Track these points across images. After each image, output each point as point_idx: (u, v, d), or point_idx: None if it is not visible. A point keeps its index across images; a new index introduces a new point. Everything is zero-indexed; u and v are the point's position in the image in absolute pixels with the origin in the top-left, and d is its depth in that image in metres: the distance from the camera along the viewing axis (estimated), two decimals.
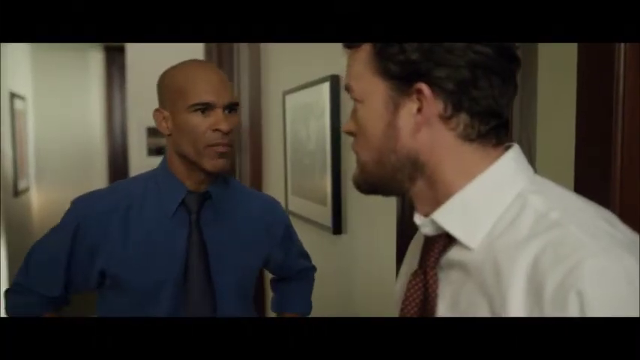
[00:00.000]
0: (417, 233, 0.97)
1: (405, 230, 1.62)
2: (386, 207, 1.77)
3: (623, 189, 1.06)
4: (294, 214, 2.55)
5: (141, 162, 4.18)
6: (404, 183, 0.83)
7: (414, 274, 0.84)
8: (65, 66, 6.38)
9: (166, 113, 1.44)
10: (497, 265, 0.74)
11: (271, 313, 1.90)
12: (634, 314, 0.64)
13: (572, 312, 0.65)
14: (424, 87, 0.77)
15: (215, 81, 1.41)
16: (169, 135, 1.45)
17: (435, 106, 0.77)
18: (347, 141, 2.04)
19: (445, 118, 0.78)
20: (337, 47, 2.13)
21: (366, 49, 0.82)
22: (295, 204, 2.59)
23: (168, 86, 1.43)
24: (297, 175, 2.55)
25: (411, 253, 1.00)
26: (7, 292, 1.54)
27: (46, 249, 1.51)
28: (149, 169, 1.55)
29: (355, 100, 0.84)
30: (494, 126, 0.79)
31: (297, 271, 1.79)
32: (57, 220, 1.51)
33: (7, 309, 1.54)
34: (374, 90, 0.81)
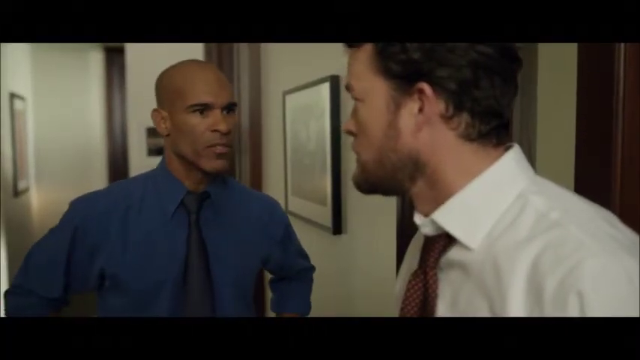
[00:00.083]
0: (417, 233, 0.97)
1: (405, 230, 1.62)
2: (386, 207, 1.77)
3: (623, 189, 1.06)
4: (294, 215, 2.55)
5: (141, 162, 4.18)
6: (404, 183, 0.83)
7: (414, 274, 0.84)
8: (65, 66, 6.38)
9: (165, 113, 1.43)
10: (498, 265, 0.74)
11: (271, 313, 1.90)
12: (634, 314, 0.64)
13: (573, 312, 0.65)
14: (426, 87, 0.77)
15: (213, 81, 1.41)
16: (167, 135, 1.44)
17: (436, 105, 0.77)
18: (347, 141, 2.04)
19: (446, 118, 0.78)
20: (337, 47, 2.13)
21: (367, 49, 0.81)
22: (295, 204, 2.59)
23: (167, 86, 1.43)
24: (297, 175, 2.55)
25: (410, 253, 1.00)
26: (6, 293, 1.54)
27: (45, 250, 1.51)
28: (149, 169, 1.55)
29: (356, 99, 0.84)
30: (495, 126, 0.79)
31: (297, 271, 1.79)
32: (57, 220, 1.51)
33: (7, 311, 1.54)
34: (375, 89, 0.81)
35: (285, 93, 2.65)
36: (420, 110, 0.78)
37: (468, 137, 0.79)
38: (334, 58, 2.11)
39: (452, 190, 0.80)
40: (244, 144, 3.24)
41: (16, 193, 5.36)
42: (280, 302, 1.82)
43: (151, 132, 4.19)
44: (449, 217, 0.80)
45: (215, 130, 1.38)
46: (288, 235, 1.71)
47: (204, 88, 1.38)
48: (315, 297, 1.86)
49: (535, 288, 0.68)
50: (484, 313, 0.74)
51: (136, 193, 1.48)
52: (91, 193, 1.52)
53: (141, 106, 3.96)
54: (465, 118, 0.78)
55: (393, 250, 1.72)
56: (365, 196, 0.91)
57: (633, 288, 0.65)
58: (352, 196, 2.06)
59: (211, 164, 1.40)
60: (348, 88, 0.85)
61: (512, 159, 0.80)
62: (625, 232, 0.73)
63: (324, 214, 2.22)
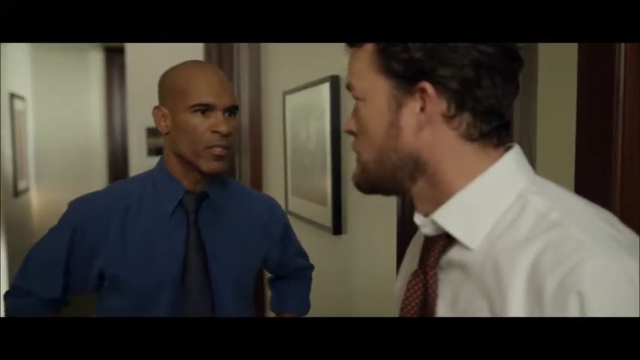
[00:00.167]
0: (417, 233, 0.97)
1: (405, 230, 1.62)
2: (386, 207, 1.77)
3: (623, 189, 1.06)
4: (294, 215, 2.55)
5: (141, 162, 4.18)
6: (404, 182, 0.83)
7: (414, 274, 0.84)
8: (65, 66, 6.38)
9: (166, 111, 1.43)
10: (498, 265, 0.74)
11: (271, 313, 1.90)
12: (634, 314, 0.64)
13: (573, 312, 0.65)
14: (428, 86, 0.76)
15: (216, 83, 1.41)
16: (167, 134, 1.44)
17: (438, 105, 0.77)
18: (347, 141, 2.04)
19: (448, 118, 0.78)
20: (337, 47, 2.13)
21: (368, 48, 0.81)
22: (295, 204, 2.59)
23: (169, 86, 1.43)
24: (297, 175, 2.55)
25: (410, 252, 1.00)
26: (6, 295, 1.54)
27: (44, 251, 1.51)
28: (149, 169, 1.55)
29: (357, 98, 0.84)
30: (495, 126, 0.79)
31: (295, 270, 1.79)
32: (57, 220, 1.51)
33: (7, 312, 1.54)
34: (376, 88, 0.81)
35: (285, 93, 2.65)
36: (422, 110, 0.78)
37: (469, 137, 0.78)
38: (334, 59, 2.11)
39: (452, 190, 0.80)
40: (244, 144, 3.24)
41: (16, 193, 5.36)
42: (279, 301, 1.82)
43: (151, 132, 4.20)
44: (449, 217, 0.80)
45: (215, 132, 1.38)
46: (288, 235, 1.71)
47: (206, 89, 1.39)
48: (315, 297, 1.86)
49: (535, 288, 0.68)
50: (484, 313, 0.74)
51: (135, 193, 1.48)
52: (89, 194, 1.52)
53: (141, 106, 3.96)
54: (466, 117, 0.77)
55: (393, 250, 1.72)
56: (365, 196, 0.91)
57: (633, 288, 0.65)
58: (352, 196, 2.06)
59: (209, 165, 1.40)
60: (349, 87, 0.85)
61: (513, 159, 0.80)
62: (625, 232, 0.73)
63: (324, 214, 2.22)
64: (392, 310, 0.96)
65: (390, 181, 0.83)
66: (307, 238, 2.13)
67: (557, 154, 1.29)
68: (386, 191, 0.87)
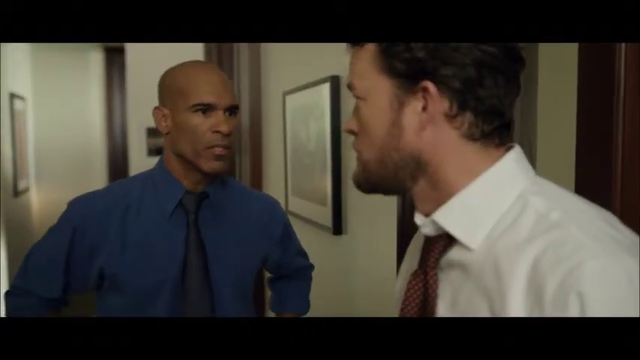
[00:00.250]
0: (417, 232, 0.97)
1: (406, 230, 1.62)
2: (386, 207, 1.77)
3: (623, 189, 1.06)
4: (295, 215, 2.55)
5: (141, 162, 4.18)
6: (406, 182, 0.83)
7: (414, 274, 0.84)
8: (65, 66, 6.38)
9: (166, 111, 1.43)
10: (498, 265, 0.74)
11: (271, 313, 1.90)
12: (634, 315, 0.64)
13: (573, 313, 0.65)
14: (430, 85, 0.76)
15: (217, 82, 1.41)
16: (167, 134, 1.44)
17: (440, 104, 0.77)
18: (347, 141, 2.04)
19: (450, 117, 0.77)
20: (337, 48, 2.13)
21: (370, 48, 0.81)
22: (295, 204, 2.59)
23: (170, 85, 1.43)
24: (298, 175, 2.55)
25: (410, 252, 0.99)
26: (6, 294, 1.54)
27: (45, 250, 1.51)
28: (149, 169, 1.55)
29: (358, 98, 0.84)
30: (497, 126, 0.79)
31: (295, 270, 1.79)
32: (57, 220, 1.51)
33: (7, 311, 1.54)
34: (378, 88, 0.80)
35: (286, 93, 2.65)
36: (424, 109, 0.78)
37: (470, 137, 0.78)
38: (334, 59, 2.11)
39: (453, 190, 0.80)
40: (244, 144, 3.24)
41: (16, 193, 5.36)
42: (279, 301, 1.82)
43: (151, 132, 4.20)
44: (449, 217, 0.80)
45: (216, 132, 1.38)
46: (288, 235, 1.71)
47: (207, 89, 1.39)
48: (316, 297, 1.86)
49: (535, 288, 0.68)
50: (484, 313, 0.74)
51: (135, 192, 1.48)
52: (89, 193, 1.52)
53: (141, 106, 3.96)
54: (468, 117, 0.77)
55: (394, 251, 1.72)
56: (365, 196, 0.91)
57: (633, 288, 0.65)
58: (352, 196, 2.06)
59: (210, 165, 1.40)
60: (350, 87, 0.85)
61: (513, 159, 0.80)
62: (625, 232, 0.73)
63: (324, 215, 2.22)
64: (392, 310, 0.95)
65: (391, 180, 0.83)
66: (307, 238, 2.12)
67: (558, 154, 1.29)
68: (386, 191, 0.87)
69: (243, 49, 3.20)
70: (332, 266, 2.24)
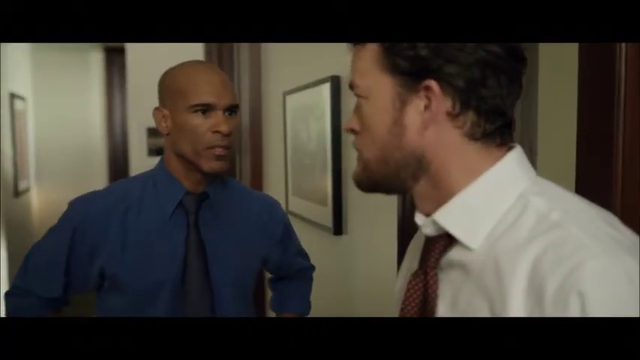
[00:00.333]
0: (418, 232, 0.97)
1: (406, 230, 1.62)
2: (387, 207, 1.77)
3: (624, 189, 1.06)
4: (295, 215, 2.55)
5: (141, 162, 4.18)
6: (407, 181, 0.82)
7: (414, 275, 0.84)
8: (65, 66, 6.38)
9: (166, 112, 1.43)
10: (498, 265, 0.73)
11: (271, 313, 1.90)
12: (635, 315, 0.64)
13: (574, 313, 0.65)
14: (433, 84, 0.76)
15: (217, 82, 1.41)
16: (168, 134, 1.44)
17: (443, 103, 0.77)
18: (347, 141, 2.04)
19: (453, 116, 0.77)
20: (338, 48, 2.13)
21: (373, 46, 0.81)
22: (296, 204, 2.59)
23: (170, 86, 1.43)
24: (298, 175, 2.55)
25: (411, 252, 0.99)
26: (6, 294, 1.54)
27: (45, 250, 1.51)
28: (149, 169, 1.55)
29: (359, 96, 0.83)
30: (499, 126, 0.79)
31: (296, 271, 1.79)
32: (57, 220, 1.51)
33: (7, 311, 1.54)
34: (381, 86, 0.80)
35: (286, 93, 2.65)
36: (426, 108, 0.78)
37: (472, 136, 0.78)
38: (335, 59, 2.11)
39: (454, 190, 0.80)
40: (245, 144, 3.24)
41: (17, 193, 5.36)
42: (280, 302, 1.82)
43: (152, 132, 4.19)
44: (450, 217, 0.80)
45: (216, 132, 1.38)
46: (288, 235, 1.71)
47: (207, 89, 1.38)
48: (316, 297, 1.86)
49: (536, 289, 0.68)
50: (484, 313, 0.74)
51: (135, 193, 1.48)
52: (90, 193, 1.52)
53: (141, 106, 3.96)
54: (470, 116, 0.77)
55: (394, 251, 1.72)
56: (366, 197, 0.91)
57: (634, 288, 0.65)
58: (353, 196, 2.06)
59: (210, 165, 1.40)
60: (352, 85, 0.84)
61: (514, 159, 0.80)
62: (625, 232, 0.73)
63: (324, 215, 2.22)
64: (392, 311, 0.95)
65: (393, 179, 0.83)
66: (308, 239, 2.12)
67: (558, 154, 1.29)
68: (387, 190, 0.87)
69: (243, 49, 3.19)
70: (332, 266, 2.23)
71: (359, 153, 0.86)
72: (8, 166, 5.09)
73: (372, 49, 0.81)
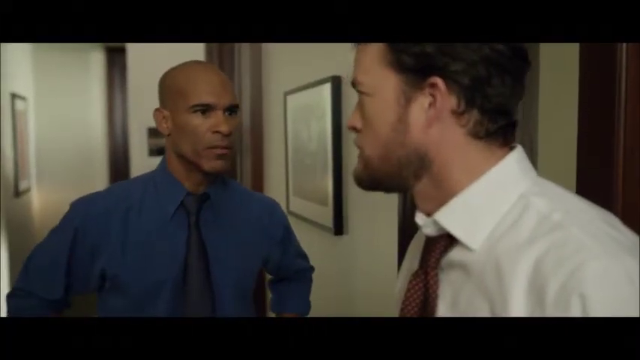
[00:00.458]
0: (418, 232, 0.97)
1: (407, 230, 1.62)
2: (387, 207, 1.77)
3: (624, 189, 1.06)
4: (296, 215, 2.55)
5: (142, 162, 4.18)
6: (408, 180, 0.82)
7: (415, 275, 0.83)
8: (66, 66, 6.38)
9: (166, 113, 1.43)
10: (499, 266, 0.73)
11: (271, 313, 1.90)
12: (636, 315, 0.64)
13: (575, 314, 0.65)
14: (439, 81, 0.76)
15: (216, 82, 1.41)
16: (169, 135, 1.45)
17: (448, 101, 0.76)
18: (348, 141, 2.04)
19: (457, 114, 0.77)
20: (338, 48, 2.13)
21: (377, 44, 0.81)
22: (296, 205, 2.59)
23: (170, 86, 1.43)
24: (299, 175, 2.55)
25: (411, 252, 0.99)
26: (8, 296, 1.54)
27: (46, 252, 1.51)
28: (150, 169, 1.55)
29: (363, 93, 0.83)
30: (502, 125, 0.79)
31: (295, 272, 1.79)
32: (58, 220, 1.51)
33: (9, 313, 1.54)
34: (385, 83, 0.80)
35: (287, 93, 2.65)
36: (431, 105, 0.77)
37: (476, 135, 0.78)
38: (335, 59, 2.11)
39: (456, 189, 0.79)
40: (245, 144, 3.24)
41: (17, 193, 5.36)
42: (280, 302, 1.82)
43: (152, 132, 4.19)
44: (451, 217, 0.79)
45: (216, 132, 1.38)
46: (288, 236, 1.71)
47: (206, 89, 1.39)
48: (316, 297, 1.86)
49: (537, 290, 0.68)
50: (484, 314, 0.74)
51: (136, 194, 1.48)
52: (91, 194, 1.52)
53: (142, 106, 3.96)
54: (474, 115, 0.77)
55: (395, 251, 1.72)
56: (366, 197, 0.91)
57: (634, 289, 0.65)
58: (353, 196, 2.06)
59: (211, 164, 1.40)
60: (355, 82, 0.84)
61: (515, 160, 0.80)
62: (626, 233, 0.73)
63: (325, 215, 2.22)
64: (393, 311, 0.95)
65: (394, 177, 0.82)
66: (308, 239, 2.12)
67: (559, 153, 1.29)
68: (388, 188, 0.86)
69: (244, 50, 3.19)
70: (333, 266, 2.23)
71: (360, 150, 0.85)
72: (9, 166, 5.09)
73: (376, 46, 0.80)
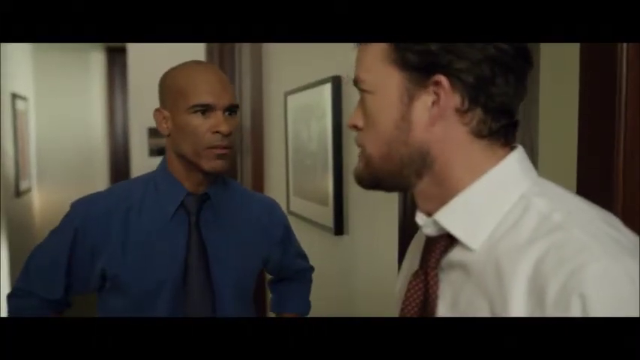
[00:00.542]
0: (418, 232, 0.97)
1: (407, 230, 1.62)
2: (387, 207, 1.77)
3: (625, 189, 1.06)
4: (296, 215, 2.55)
5: (142, 162, 4.18)
6: (410, 178, 0.82)
7: (415, 275, 0.83)
8: (67, 66, 6.39)
9: (166, 113, 1.44)
10: (499, 266, 0.73)
11: (271, 314, 1.90)
12: (636, 316, 0.64)
13: (575, 315, 0.64)
14: (443, 79, 0.76)
15: (216, 82, 1.41)
16: (169, 135, 1.45)
17: (452, 99, 0.76)
18: (349, 142, 2.04)
19: (461, 112, 0.77)
20: (339, 48, 2.13)
21: None
22: (297, 205, 2.59)
23: (170, 87, 1.43)
24: (299, 175, 2.55)
25: (411, 252, 0.99)
26: (8, 296, 1.54)
27: (47, 252, 1.51)
28: (151, 169, 1.55)
29: (365, 91, 0.82)
30: (504, 124, 0.78)
31: (295, 272, 1.79)
32: (59, 220, 1.51)
33: (9, 313, 1.54)
34: (388, 81, 0.79)
35: (287, 93, 2.65)
36: (434, 103, 0.77)
37: (478, 134, 0.78)
38: (336, 59, 2.11)
39: (457, 188, 0.79)
40: (246, 144, 3.24)
41: (18, 193, 5.37)
42: (280, 302, 1.82)
43: (153, 132, 4.19)
44: (451, 217, 0.79)
45: (216, 132, 1.38)
46: (288, 236, 1.71)
47: (206, 89, 1.38)
48: (317, 297, 1.86)
49: (537, 290, 0.68)
50: (484, 314, 0.74)
51: (137, 194, 1.48)
52: (91, 195, 1.52)
53: (143, 106, 3.96)
54: (478, 113, 0.77)
55: (395, 251, 1.72)
56: (366, 197, 0.90)
57: (635, 290, 0.65)
58: (354, 196, 2.06)
59: (211, 164, 1.40)
60: (357, 80, 0.83)
61: (516, 160, 0.80)
62: (626, 233, 0.73)
63: (325, 215, 2.22)
64: (393, 311, 0.95)
65: (396, 176, 0.82)
66: (309, 239, 2.12)
67: (559, 153, 1.29)
68: (388, 187, 0.86)
69: (244, 50, 3.20)
70: (333, 266, 2.23)
71: (361, 149, 0.85)
72: (10, 166, 5.09)
73: (380, 44, 0.80)
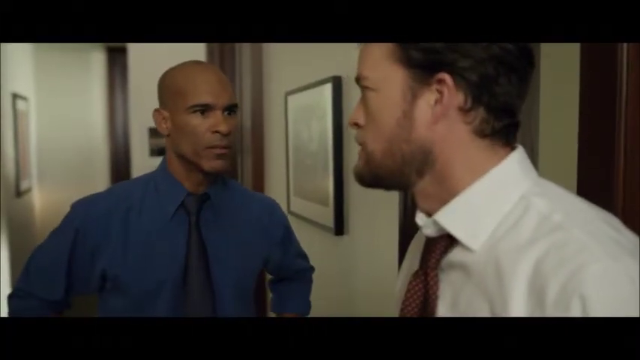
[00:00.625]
0: (418, 232, 0.97)
1: (407, 231, 1.62)
2: (388, 207, 1.77)
3: (625, 189, 1.06)
4: (296, 215, 2.55)
5: (143, 162, 4.17)
6: (410, 177, 0.81)
7: (415, 275, 0.83)
8: (67, 66, 6.39)
9: (166, 113, 1.43)
10: (499, 267, 0.73)
11: (271, 314, 1.90)
12: (636, 316, 0.64)
13: (575, 315, 0.64)
14: (447, 77, 0.76)
15: (215, 82, 1.41)
16: (168, 135, 1.45)
17: (455, 97, 0.76)
18: (349, 142, 2.04)
19: (464, 111, 0.77)
20: (339, 48, 2.13)
21: None
22: (297, 205, 2.59)
23: (169, 86, 1.43)
24: (299, 175, 2.55)
25: (411, 252, 0.99)
26: (9, 297, 1.54)
27: (47, 253, 1.51)
28: (151, 169, 1.55)
29: (368, 89, 0.82)
30: (506, 124, 0.78)
31: (295, 272, 1.79)
32: (59, 220, 1.52)
33: (10, 313, 1.54)
34: (391, 78, 0.79)
35: (287, 94, 2.65)
36: (437, 102, 0.77)
37: (481, 133, 0.78)
38: (336, 59, 2.11)
39: (458, 187, 0.79)
40: (246, 144, 3.24)
41: (19, 193, 5.37)
42: (280, 302, 1.82)
43: (154, 132, 4.19)
44: (451, 218, 0.79)
45: (216, 132, 1.38)
46: (288, 236, 1.71)
47: (205, 89, 1.38)
48: (317, 297, 1.86)
49: (537, 291, 0.68)
50: (484, 314, 0.74)
51: (137, 194, 1.48)
52: (91, 195, 1.53)
53: (143, 106, 3.95)
54: (480, 112, 0.77)
55: (395, 251, 1.72)
56: (367, 197, 0.90)
57: (635, 290, 0.65)
58: (354, 196, 2.06)
59: (211, 164, 1.40)
60: (360, 78, 0.83)
61: (517, 160, 0.80)
62: (626, 234, 0.73)
63: (326, 215, 2.22)
64: (393, 311, 0.95)
65: (396, 174, 0.82)
66: (309, 239, 2.12)
67: (560, 153, 1.29)
68: (389, 185, 0.86)
69: (245, 50, 3.20)
70: (333, 266, 2.23)
71: (362, 146, 0.84)
72: (10, 166, 5.09)
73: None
